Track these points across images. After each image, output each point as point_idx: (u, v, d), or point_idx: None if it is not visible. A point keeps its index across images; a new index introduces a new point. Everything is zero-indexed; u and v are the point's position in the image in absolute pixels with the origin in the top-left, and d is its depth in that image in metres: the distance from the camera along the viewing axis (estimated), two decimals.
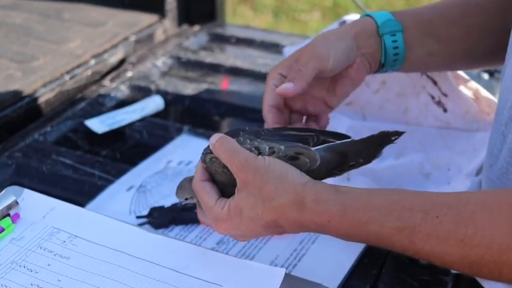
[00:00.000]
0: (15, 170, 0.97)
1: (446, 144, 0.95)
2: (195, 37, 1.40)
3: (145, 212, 0.87)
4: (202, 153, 0.70)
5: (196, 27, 1.45)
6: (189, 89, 1.20)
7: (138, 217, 0.86)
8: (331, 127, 0.98)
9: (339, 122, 0.98)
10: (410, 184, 0.92)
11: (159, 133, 1.06)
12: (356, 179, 0.90)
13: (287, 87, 0.75)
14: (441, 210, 0.60)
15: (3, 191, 0.81)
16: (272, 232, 0.68)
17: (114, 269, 0.72)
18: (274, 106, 0.77)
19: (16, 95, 1.15)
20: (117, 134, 1.07)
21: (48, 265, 0.73)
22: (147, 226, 0.85)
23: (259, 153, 0.68)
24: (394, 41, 0.79)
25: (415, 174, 0.93)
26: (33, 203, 0.81)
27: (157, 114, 1.12)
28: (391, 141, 0.72)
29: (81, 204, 0.89)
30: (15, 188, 0.83)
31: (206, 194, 0.69)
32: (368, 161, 0.71)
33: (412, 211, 0.61)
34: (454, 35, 0.81)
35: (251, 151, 0.68)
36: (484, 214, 0.59)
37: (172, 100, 1.16)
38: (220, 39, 1.40)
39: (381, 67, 0.81)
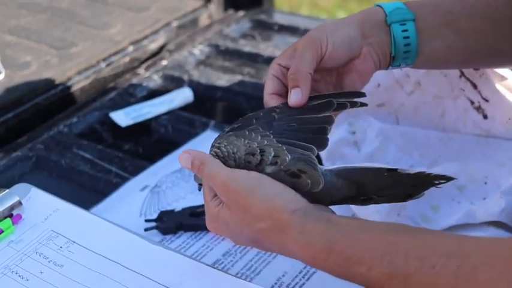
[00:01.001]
0: (35, 163, 0.96)
1: (485, 155, 0.87)
2: (237, 24, 1.34)
3: (155, 215, 0.84)
4: (212, 146, 0.66)
5: (241, 13, 1.40)
6: (223, 80, 1.15)
7: (146, 220, 0.83)
8: (359, 129, 0.92)
9: (368, 124, 0.91)
10: (441, 197, 0.84)
11: (184, 128, 1.02)
12: None
13: (296, 98, 0.68)
14: (439, 260, 0.52)
15: (9, 189, 0.79)
16: (261, 249, 0.63)
17: (105, 282, 0.69)
18: (275, 93, 0.71)
19: (49, 83, 1.13)
20: (142, 127, 1.04)
21: (41, 273, 0.71)
22: (154, 231, 0.82)
23: (262, 160, 0.63)
24: (404, 31, 0.72)
25: (447, 186, 0.84)
26: (38, 203, 0.80)
27: (185, 107, 1.08)
28: (433, 185, 0.62)
29: (93, 202, 0.87)
30: (22, 186, 0.82)
31: (207, 186, 0.65)
32: (394, 200, 0.63)
33: (406, 257, 0.53)
34: (476, 28, 0.72)
35: (254, 155, 0.63)
36: (488, 271, 0.51)
37: (203, 92, 1.12)
38: (263, 27, 1.34)
39: (392, 61, 0.73)
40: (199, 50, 1.25)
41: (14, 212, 0.77)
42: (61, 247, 0.74)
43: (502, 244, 0.53)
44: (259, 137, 0.65)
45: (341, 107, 0.68)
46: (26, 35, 1.27)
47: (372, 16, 0.73)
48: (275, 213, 0.59)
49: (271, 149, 0.63)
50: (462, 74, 0.87)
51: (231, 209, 0.61)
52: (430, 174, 0.62)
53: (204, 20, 1.40)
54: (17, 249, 0.74)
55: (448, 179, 0.62)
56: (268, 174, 0.62)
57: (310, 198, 0.62)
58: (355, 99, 0.68)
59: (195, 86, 1.13)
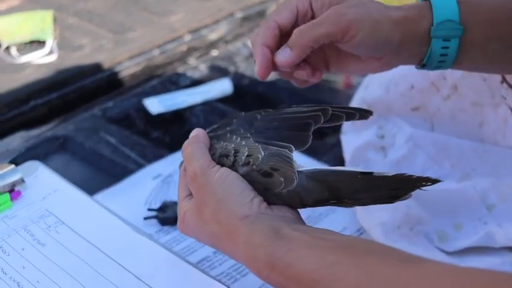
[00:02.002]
0: (61, 144, 0.96)
1: None
2: None
3: (159, 205, 0.81)
4: None
5: None
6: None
7: (149, 209, 0.81)
8: (388, 133, 0.85)
9: (398, 129, 0.84)
10: (467, 215, 0.76)
11: (216, 120, 0.99)
12: None
13: (281, 56, 0.62)
14: None
15: (17, 166, 0.80)
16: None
17: (80, 266, 0.68)
18: (267, 46, 0.64)
19: (98, 66, 1.14)
20: (175, 116, 1.02)
21: (23, 249, 0.70)
22: (153, 221, 0.79)
23: (234, 161, 0.59)
24: (445, 48, 0.62)
25: (475, 204, 0.77)
26: (42, 181, 0.79)
27: (223, 99, 1.05)
28: (417, 188, 0.56)
29: (106, 186, 0.86)
30: (32, 163, 0.82)
31: (182, 185, 0.62)
32: (378, 202, 0.57)
33: (342, 281, 0.47)
34: None
35: (227, 157, 0.59)
36: None
37: (246, 85, 1.09)
38: None
39: (420, 66, 0.65)
40: None
41: (16, 189, 0.77)
42: (49, 226, 0.73)
43: (457, 274, 0.45)
44: (239, 139, 0.61)
45: (336, 118, 0.61)
46: (89, 18, 1.29)
47: (418, 22, 0.62)
48: (225, 218, 0.55)
49: (246, 149, 0.59)
50: (504, 80, 0.78)
51: (194, 202, 0.58)
52: (411, 176, 0.55)
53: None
54: (9, 225, 0.74)
55: (433, 181, 0.55)
56: (241, 176, 0.58)
57: (279, 200, 0.57)
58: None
59: (238, 78, 1.09)
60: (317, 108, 0.62)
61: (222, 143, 0.62)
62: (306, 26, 0.62)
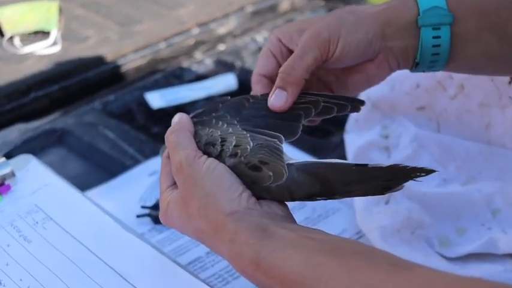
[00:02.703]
0: (59, 137, 0.94)
1: None
2: (313, 12, 1.27)
3: (154, 202, 0.79)
4: None
5: (322, 3, 1.32)
6: None
7: (142, 207, 0.79)
8: (393, 133, 0.82)
9: (404, 129, 0.81)
10: (470, 220, 0.73)
11: None
12: (398, 203, 0.74)
13: (279, 102, 0.59)
14: None
15: (8, 159, 0.78)
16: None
17: (65, 264, 0.66)
18: (265, 75, 0.63)
19: (102, 59, 1.12)
20: (177, 111, 0.98)
21: (8, 246, 0.68)
22: (147, 219, 0.77)
23: (221, 151, 0.56)
24: (436, 37, 0.60)
25: (480, 208, 0.74)
26: (33, 175, 0.77)
27: (228, 95, 1.02)
28: (411, 178, 0.53)
29: (101, 182, 0.84)
30: (25, 157, 0.80)
31: (165, 174, 0.60)
32: (369, 194, 0.54)
33: (326, 286, 0.45)
34: None
35: (214, 146, 0.57)
36: None
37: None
38: None
39: (414, 66, 0.62)
40: (262, 36, 1.19)
41: (6, 182, 0.76)
42: (37, 222, 0.71)
43: (447, 282, 0.42)
44: (225, 125, 0.59)
45: (327, 111, 0.59)
46: (96, 9, 1.27)
47: (401, 14, 0.61)
48: (211, 214, 0.53)
49: (233, 138, 0.57)
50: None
51: (179, 193, 0.55)
52: (406, 166, 0.53)
53: (285, 6, 1.33)
54: None
55: (427, 171, 0.52)
56: (228, 168, 0.56)
57: (268, 194, 0.55)
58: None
59: (244, 73, 1.07)
60: (307, 100, 0.60)
61: (208, 129, 0.59)
62: (291, 61, 0.61)
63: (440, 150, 0.78)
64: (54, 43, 1.13)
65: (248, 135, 0.57)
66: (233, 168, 0.55)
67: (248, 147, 0.56)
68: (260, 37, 1.19)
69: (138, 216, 0.77)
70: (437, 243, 0.71)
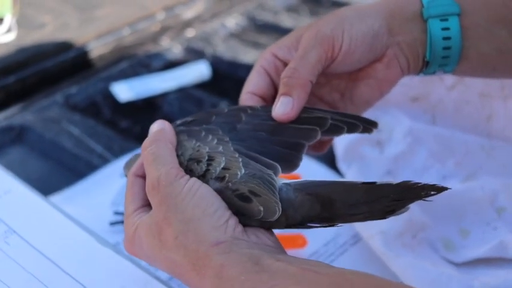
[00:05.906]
0: (18, 135, 0.86)
1: None
2: None
3: None
4: None
5: None
6: (251, 57, 1.01)
7: (115, 213, 0.71)
8: (385, 126, 0.77)
9: (397, 121, 0.75)
10: (474, 220, 0.68)
11: (192, 109, 0.90)
12: None
13: (284, 110, 0.53)
14: None
15: None
16: None
17: (31, 284, 0.58)
18: (256, 94, 0.57)
19: (62, 47, 1.03)
20: (146, 104, 0.92)
21: None
22: (121, 226, 0.70)
23: (207, 170, 0.49)
24: (445, 29, 0.54)
25: (483, 206, 0.69)
26: None
27: (200, 85, 0.95)
28: (420, 198, 0.46)
29: (67, 184, 0.76)
30: None
31: (132, 194, 0.52)
32: (371, 218, 0.47)
33: None
34: None
35: (198, 163, 0.50)
36: None
37: (225, 69, 0.99)
38: (313, 1, 1.18)
39: (426, 66, 0.57)
40: (233, 22, 1.12)
41: None
42: None
43: None
44: (215, 141, 0.51)
45: (336, 130, 0.53)
46: None
47: (404, 6, 0.56)
48: (191, 243, 0.45)
49: (223, 159, 0.50)
50: None
51: (151, 218, 0.48)
52: (417, 183, 0.46)
53: None
54: None
55: (439, 189, 0.45)
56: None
57: (257, 222, 0.48)
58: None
59: (217, 61, 1.00)
60: (313, 116, 0.53)
61: (194, 142, 0.52)
62: (293, 63, 0.55)
63: (437, 144, 0.73)
64: (9, 30, 1.04)
65: (240, 159, 0.50)
66: (218, 193, 0.48)
67: (239, 172, 0.48)
68: (231, 22, 1.11)
69: (111, 223, 0.70)
70: (441, 247, 0.66)
